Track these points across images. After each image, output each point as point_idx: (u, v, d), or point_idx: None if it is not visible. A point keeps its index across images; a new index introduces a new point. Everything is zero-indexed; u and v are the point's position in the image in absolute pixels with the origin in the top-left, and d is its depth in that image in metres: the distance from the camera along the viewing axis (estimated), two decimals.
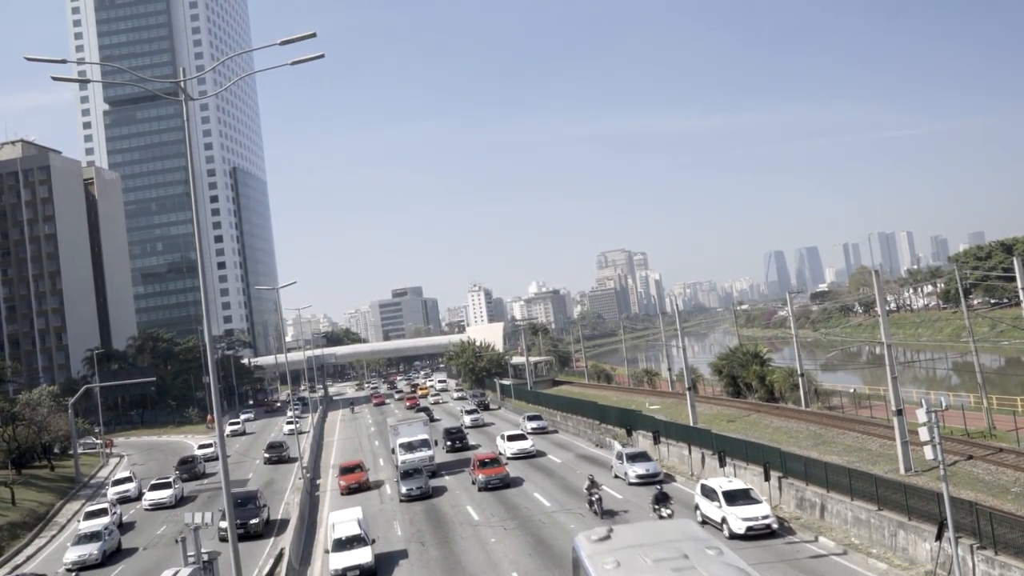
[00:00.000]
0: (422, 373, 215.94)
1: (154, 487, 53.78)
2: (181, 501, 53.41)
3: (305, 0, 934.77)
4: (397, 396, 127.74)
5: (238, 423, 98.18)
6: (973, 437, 40.63)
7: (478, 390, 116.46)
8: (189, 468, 64.16)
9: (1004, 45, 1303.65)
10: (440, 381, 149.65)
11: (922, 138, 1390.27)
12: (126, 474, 61.48)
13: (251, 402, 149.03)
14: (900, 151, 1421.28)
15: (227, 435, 79.95)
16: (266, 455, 67.40)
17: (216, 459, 68.07)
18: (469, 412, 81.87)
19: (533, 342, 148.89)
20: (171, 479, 54.84)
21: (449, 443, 62.58)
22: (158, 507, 51.46)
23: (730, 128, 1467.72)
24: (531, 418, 71.65)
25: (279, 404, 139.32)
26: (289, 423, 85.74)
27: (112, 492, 56.84)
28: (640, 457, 44.60)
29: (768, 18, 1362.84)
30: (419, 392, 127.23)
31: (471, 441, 65.24)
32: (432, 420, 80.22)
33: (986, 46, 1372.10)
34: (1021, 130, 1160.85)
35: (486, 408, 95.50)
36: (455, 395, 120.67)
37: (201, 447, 75.03)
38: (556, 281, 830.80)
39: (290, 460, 63.95)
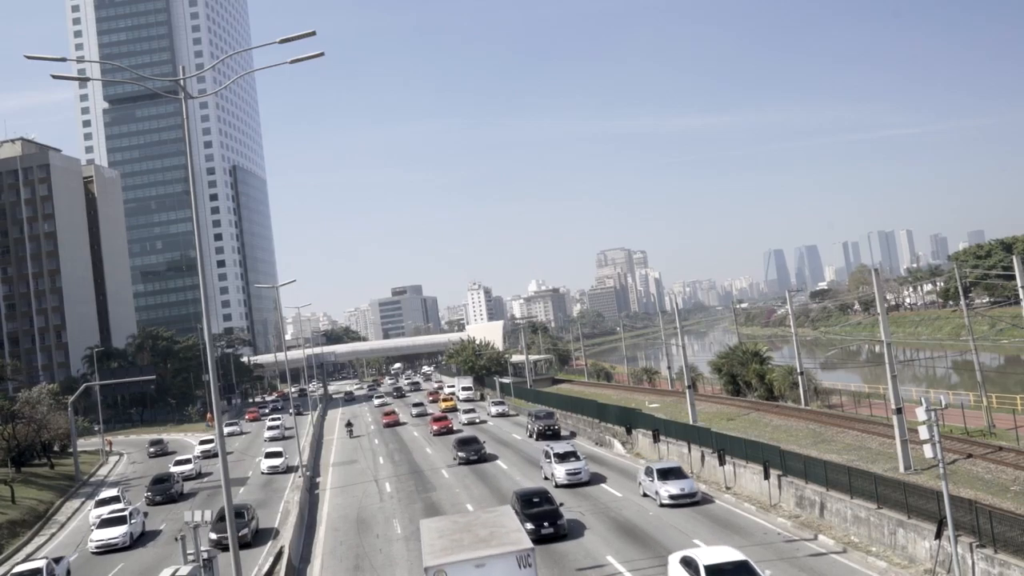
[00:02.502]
0: (421, 372, 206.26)
1: (104, 523, 42.00)
2: (140, 539, 42.21)
3: None
4: (415, 412, 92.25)
5: (209, 444, 74.93)
6: (972, 436, 40.66)
7: (543, 409, 70.25)
8: (163, 489, 53.06)
9: (1004, 45, 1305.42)
10: (465, 388, 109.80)
11: (922, 137, 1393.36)
12: (113, 492, 50.19)
13: (239, 401, 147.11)
14: (900, 150, 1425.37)
15: (189, 470, 61.74)
16: (212, 536, 37.51)
17: (195, 477, 60.99)
18: (562, 457, 44.43)
19: (533, 340, 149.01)
20: (127, 512, 42.76)
21: (531, 525, 32.75)
22: (107, 549, 40.30)
23: (730, 127, 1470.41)
24: (665, 474, 38.38)
25: (269, 408, 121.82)
26: (271, 455, 62.40)
27: (94, 516, 46.33)
28: None
29: (768, 17, 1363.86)
30: (442, 404, 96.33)
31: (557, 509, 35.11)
32: (481, 459, 55.03)
33: (986, 46, 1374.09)
34: (1020, 129, 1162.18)
35: (558, 435, 62.23)
36: (493, 410, 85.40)
37: (178, 463, 62.99)
38: (556, 279, 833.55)
39: (251, 542, 38.25)
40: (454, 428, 73.22)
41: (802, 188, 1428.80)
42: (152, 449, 79.57)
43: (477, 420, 79.88)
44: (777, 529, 32.39)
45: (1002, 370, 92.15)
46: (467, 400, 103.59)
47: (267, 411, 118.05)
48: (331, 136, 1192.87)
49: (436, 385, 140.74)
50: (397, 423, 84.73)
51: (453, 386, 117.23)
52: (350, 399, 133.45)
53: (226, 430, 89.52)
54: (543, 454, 47.68)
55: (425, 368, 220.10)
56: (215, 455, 69.59)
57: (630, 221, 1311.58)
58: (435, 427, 73.15)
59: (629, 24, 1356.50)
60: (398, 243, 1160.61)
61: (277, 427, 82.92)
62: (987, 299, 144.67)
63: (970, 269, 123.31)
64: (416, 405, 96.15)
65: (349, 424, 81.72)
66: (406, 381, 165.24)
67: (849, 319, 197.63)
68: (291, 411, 71.69)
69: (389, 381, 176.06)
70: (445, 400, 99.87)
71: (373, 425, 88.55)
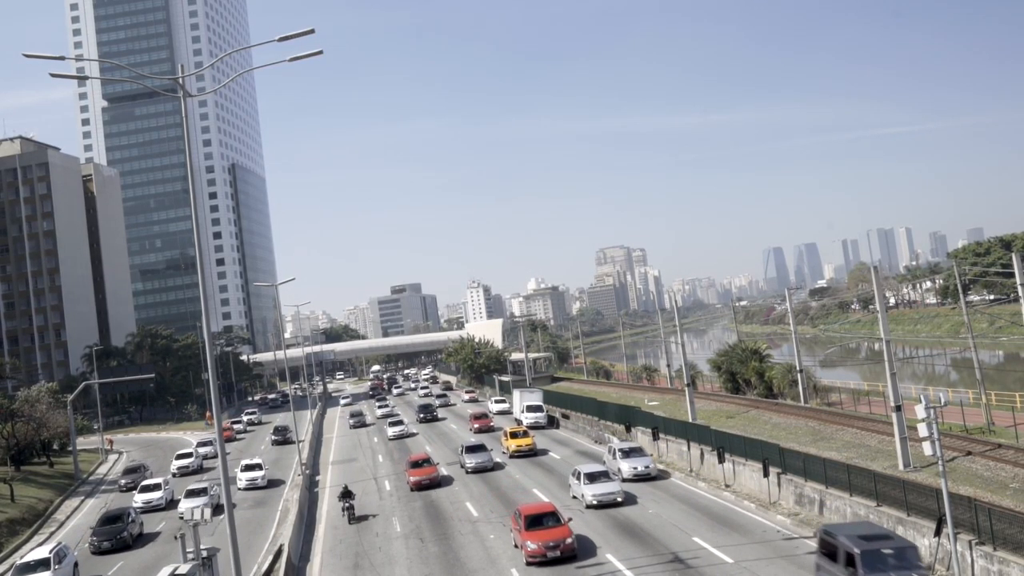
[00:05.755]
0: (424, 373, 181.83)
1: None
2: None
3: None
4: (471, 464, 50.41)
5: (187, 459, 63.68)
6: (972, 433, 40.69)
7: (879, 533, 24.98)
8: (113, 532, 39.96)
9: (1003, 43, 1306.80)
10: (531, 407, 70.76)
11: (921, 135, 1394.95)
12: (43, 553, 34.12)
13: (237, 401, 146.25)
14: (899, 148, 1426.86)
15: (157, 500, 49.31)
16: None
17: (164, 508, 48.57)
18: None
19: (532, 339, 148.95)
20: None
21: None
22: None
23: (730, 125, 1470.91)
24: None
25: (244, 422, 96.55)
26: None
27: None
28: None
29: (768, 15, 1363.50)
30: (511, 444, 54.95)
31: None
32: None
33: (985, 44, 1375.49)
34: (1020, 127, 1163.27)
35: None
36: (625, 467, 43.42)
37: (144, 489, 50.74)
38: (555, 277, 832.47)
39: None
40: (573, 546, 30.53)
41: (802, 186, 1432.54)
42: (124, 481, 59.17)
43: (617, 498, 37.58)
44: (776, 527, 32.40)
45: (1001, 368, 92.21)
46: (534, 426, 67.01)
47: (241, 424, 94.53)
48: (330, 134, 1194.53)
49: (467, 397, 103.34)
50: (434, 483, 47.09)
51: (503, 401, 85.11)
52: (350, 395, 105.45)
53: (201, 450, 67.58)
54: None
55: (408, 371, 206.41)
56: (194, 472, 62.57)
57: (629, 219, 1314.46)
58: (533, 544, 30.19)
59: (629, 22, 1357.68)
60: (397, 241, 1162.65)
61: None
62: (984, 296, 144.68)
63: (969, 267, 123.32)
64: (473, 451, 51.61)
65: (347, 494, 41.46)
66: (423, 390, 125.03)
67: (848, 317, 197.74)
68: (275, 431, 63.57)
69: (396, 391, 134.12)
70: (514, 437, 55.82)
71: (388, 480, 52.10)
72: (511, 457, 54.16)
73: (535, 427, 67.00)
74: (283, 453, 56.92)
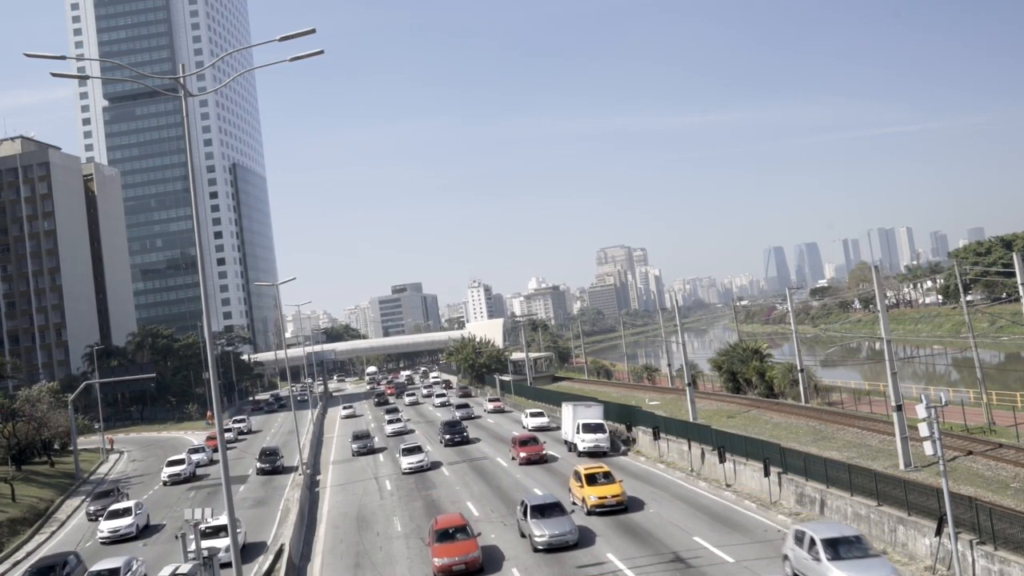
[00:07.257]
0: (433, 374, 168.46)
1: None
2: None
3: None
4: (543, 539, 30.74)
5: (179, 466, 59.80)
6: (973, 433, 40.69)
7: None
8: None
9: (1003, 43, 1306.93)
10: (589, 426, 53.00)
11: (922, 134, 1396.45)
12: None
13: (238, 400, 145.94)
14: (900, 147, 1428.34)
15: (127, 529, 41.78)
16: None
17: (132, 537, 41.38)
18: None
19: (533, 338, 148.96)
20: None
21: None
22: None
23: (731, 124, 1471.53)
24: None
25: (234, 432, 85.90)
26: None
27: None
28: None
29: (769, 15, 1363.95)
30: (587, 495, 36.17)
31: None
32: None
33: (985, 44, 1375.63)
34: (1020, 127, 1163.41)
35: None
36: (835, 566, 22.99)
37: (112, 515, 42.91)
38: (556, 277, 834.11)
39: None
40: None
41: (802, 185, 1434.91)
42: (93, 508, 49.19)
43: None
44: (777, 527, 32.36)
45: (1002, 367, 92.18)
46: (594, 452, 51.32)
47: (231, 432, 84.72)
48: (331, 134, 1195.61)
49: (491, 406, 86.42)
50: (471, 569, 29.36)
51: (540, 414, 68.98)
52: (357, 428, 75.73)
53: (194, 457, 63.90)
54: None
55: (407, 372, 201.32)
56: (186, 479, 59.17)
57: (630, 219, 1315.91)
58: None
59: (630, 21, 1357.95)
60: (398, 241, 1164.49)
61: None
62: (981, 296, 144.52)
63: (970, 266, 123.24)
64: (544, 513, 32.05)
65: None
66: (439, 398, 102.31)
67: (849, 316, 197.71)
68: (262, 456, 56.38)
69: (408, 398, 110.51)
70: (592, 483, 37.19)
71: (389, 480, 51.01)
72: (589, 514, 35.86)
73: (595, 453, 50.97)
74: (270, 490, 48.80)
